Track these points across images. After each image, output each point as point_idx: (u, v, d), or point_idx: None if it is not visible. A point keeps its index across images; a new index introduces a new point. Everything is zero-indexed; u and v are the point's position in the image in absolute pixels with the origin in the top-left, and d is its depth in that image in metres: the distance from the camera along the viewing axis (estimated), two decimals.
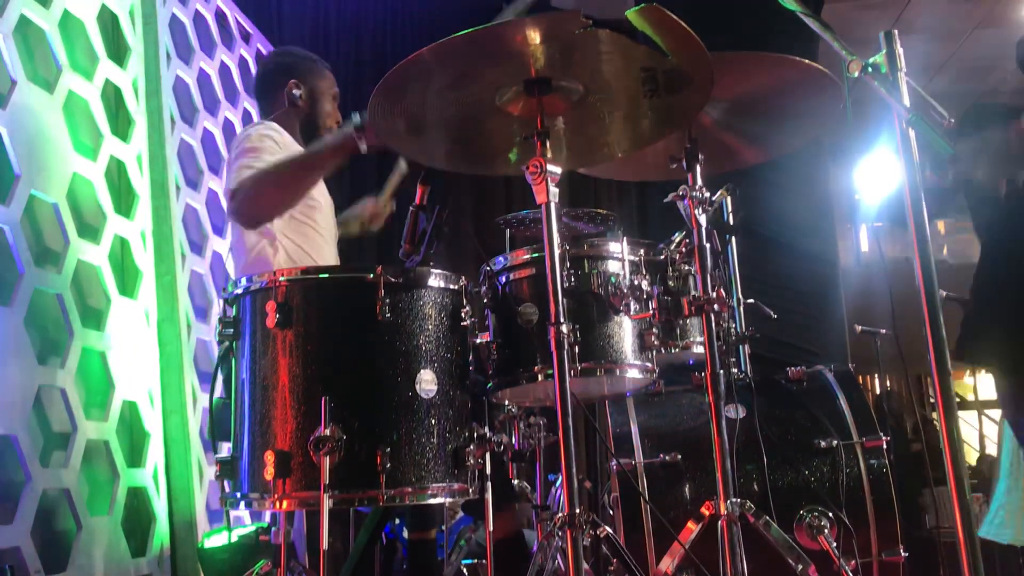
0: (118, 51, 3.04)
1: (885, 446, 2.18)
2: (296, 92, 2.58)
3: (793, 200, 4.29)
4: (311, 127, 2.60)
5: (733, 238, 2.21)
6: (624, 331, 1.90)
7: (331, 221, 2.62)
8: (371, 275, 1.67)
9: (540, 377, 1.86)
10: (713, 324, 1.82)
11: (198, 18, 3.57)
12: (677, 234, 2.02)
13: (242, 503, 1.69)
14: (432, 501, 1.71)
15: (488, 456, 1.80)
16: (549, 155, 1.73)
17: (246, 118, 3.85)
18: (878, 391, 8.01)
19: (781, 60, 1.92)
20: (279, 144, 2.38)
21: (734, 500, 1.74)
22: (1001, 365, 2.74)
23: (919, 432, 6.19)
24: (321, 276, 1.72)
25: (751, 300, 2.25)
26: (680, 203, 1.90)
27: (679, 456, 2.17)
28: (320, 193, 2.54)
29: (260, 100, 2.70)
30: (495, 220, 2.85)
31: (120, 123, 3.01)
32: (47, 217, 2.57)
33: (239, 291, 1.75)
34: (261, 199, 2.24)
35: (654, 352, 1.94)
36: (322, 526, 1.54)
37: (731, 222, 2.21)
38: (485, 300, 1.98)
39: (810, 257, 4.40)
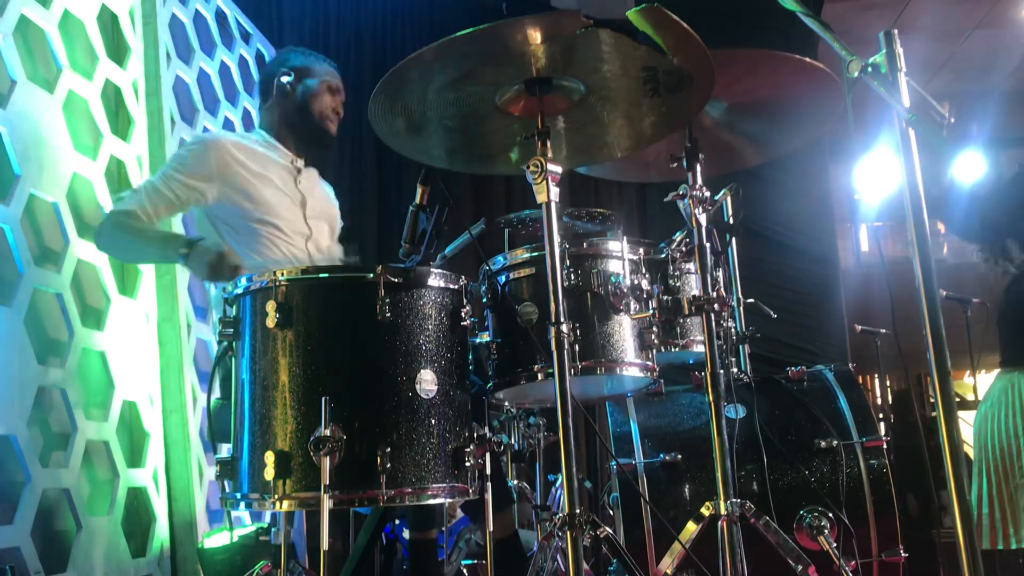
0: (118, 51, 3.04)
1: (885, 446, 2.18)
2: (284, 80, 2.57)
3: (793, 200, 4.30)
4: (303, 115, 2.56)
5: (733, 238, 2.20)
6: (624, 330, 1.90)
7: (296, 219, 2.51)
8: (371, 275, 1.67)
9: (540, 377, 1.86)
10: (713, 324, 1.82)
11: (198, 18, 3.57)
12: (678, 233, 2.02)
13: (242, 503, 1.69)
14: (432, 501, 1.71)
15: (488, 456, 1.80)
16: (549, 154, 1.73)
17: (246, 118, 3.85)
18: (877, 391, 8.01)
19: (781, 58, 1.92)
20: (199, 165, 2.36)
21: (734, 500, 1.74)
22: None
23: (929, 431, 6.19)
24: (321, 276, 1.72)
25: (751, 300, 2.25)
26: (680, 202, 1.91)
27: (679, 456, 2.17)
28: (274, 195, 2.46)
29: (260, 100, 2.68)
30: (496, 220, 2.85)
31: (120, 123, 3.01)
32: (47, 217, 2.57)
33: (239, 291, 1.75)
34: (108, 245, 2.42)
35: (654, 351, 1.94)
36: (323, 526, 1.54)
37: (731, 222, 2.21)
38: (485, 300, 1.98)
39: (810, 257, 4.40)
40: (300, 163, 2.59)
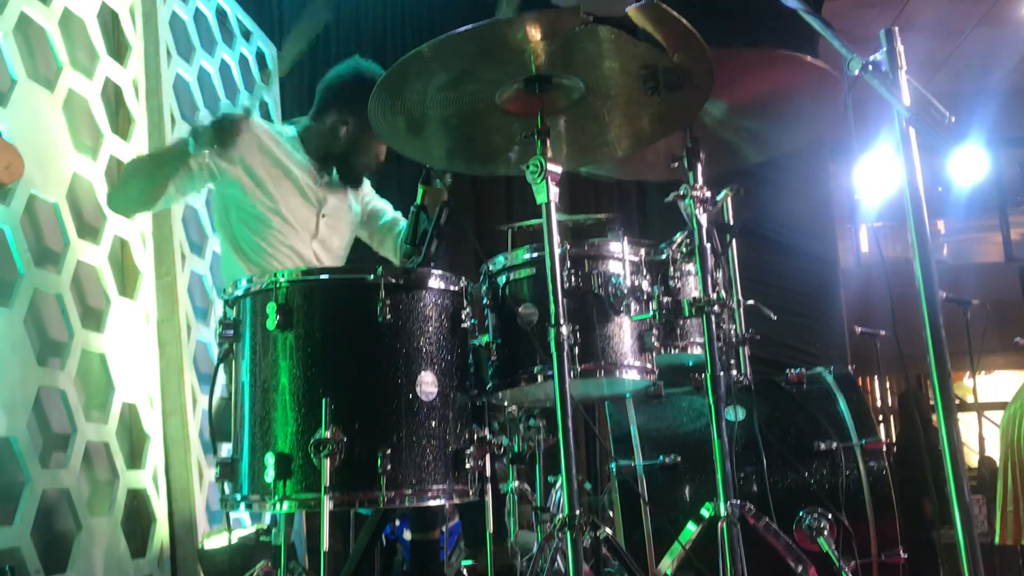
0: (118, 49, 3.04)
1: (884, 448, 2.18)
2: (342, 129, 2.54)
3: (793, 200, 4.30)
4: (342, 160, 2.57)
5: (734, 239, 2.20)
6: (624, 332, 1.90)
7: (308, 217, 2.53)
8: (372, 276, 1.67)
9: (540, 378, 1.86)
10: (713, 325, 1.81)
11: (199, 16, 3.57)
12: (678, 234, 2.02)
13: (242, 505, 1.69)
14: (432, 503, 1.71)
15: (488, 458, 1.80)
16: (549, 154, 1.73)
17: None
18: (877, 392, 8.00)
19: (780, 56, 1.91)
20: (239, 148, 2.34)
21: (734, 501, 1.74)
22: None
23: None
24: (322, 277, 1.72)
25: (751, 301, 2.25)
26: (681, 203, 1.90)
27: (679, 458, 2.17)
28: (290, 188, 2.47)
29: (318, 97, 2.62)
30: (497, 227, 2.85)
31: (120, 122, 3.01)
32: (47, 217, 2.56)
33: (239, 292, 1.75)
34: (124, 192, 2.49)
35: (654, 353, 1.94)
36: (323, 528, 1.54)
37: (732, 222, 2.21)
38: (485, 301, 1.98)
39: (810, 257, 4.40)
40: (323, 177, 2.59)
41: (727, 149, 2.21)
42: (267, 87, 4.13)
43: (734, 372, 2.11)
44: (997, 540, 3.20)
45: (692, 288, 2.04)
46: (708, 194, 1.90)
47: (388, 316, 1.65)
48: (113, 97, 2.99)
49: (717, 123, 2.12)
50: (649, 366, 1.93)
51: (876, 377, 7.65)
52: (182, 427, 2.90)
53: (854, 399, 2.28)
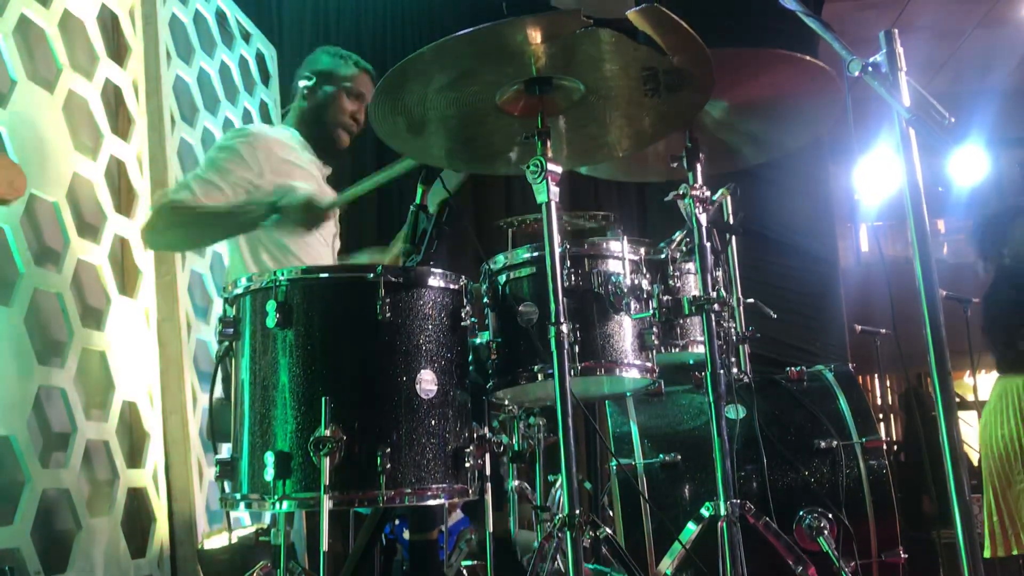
0: (118, 51, 3.04)
1: (885, 447, 2.18)
2: (302, 84, 2.58)
3: (793, 200, 4.29)
4: (318, 121, 2.60)
5: (733, 238, 2.20)
6: (624, 331, 1.90)
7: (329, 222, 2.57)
8: (372, 275, 1.67)
9: (540, 377, 1.86)
10: (713, 324, 1.82)
11: (198, 17, 3.57)
12: (677, 233, 2.02)
13: (242, 504, 1.69)
14: (432, 502, 1.71)
15: (488, 456, 1.80)
16: (549, 154, 1.73)
17: (246, 118, 3.84)
18: (877, 391, 8.00)
19: (781, 57, 1.92)
20: (251, 159, 2.37)
21: (734, 501, 1.74)
22: None
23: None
24: (322, 276, 1.72)
25: (751, 300, 2.25)
26: (681, 202, 1.90)
27: (679, 457, 2.17)
28: (312, 190, 2.50)
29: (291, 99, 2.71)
30: (496, 224, 2.85)
31: (120, 123, 3.01)
32: (47, 217, 2.57)
33: (239, 291, 1.75)
34: (167, 237, 2.38)
35: (654, 352, 1.94)
36: (322, 527, 1.54)
37: (731, 222, 2.21)
38: (485, 299, 1.98)
39: (810, 257, 4.40)
40: (326, 170, 2.63)
41: (727, 149, 2.21)
42: (267, 88, 4.14)
43: (734, 370, 2.11)
44: (987, 554, 3.11)
45: (692, 287, 2.04)
46: (707, 193, 1.91)
47: (388, 314, 1.65)
48: (113, 98, 2.99)
49: (717, 123, 2.12)
50: (649, 364, 1.93)
51: (876, 376, 7.65)
52: (182, 426, 2.91)
53: (854, 397, 2.28)
